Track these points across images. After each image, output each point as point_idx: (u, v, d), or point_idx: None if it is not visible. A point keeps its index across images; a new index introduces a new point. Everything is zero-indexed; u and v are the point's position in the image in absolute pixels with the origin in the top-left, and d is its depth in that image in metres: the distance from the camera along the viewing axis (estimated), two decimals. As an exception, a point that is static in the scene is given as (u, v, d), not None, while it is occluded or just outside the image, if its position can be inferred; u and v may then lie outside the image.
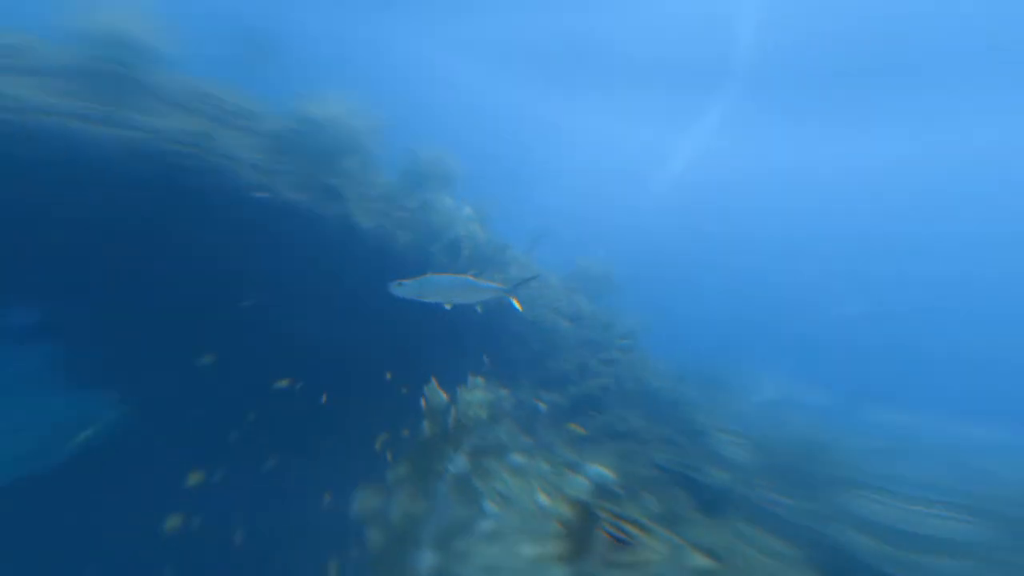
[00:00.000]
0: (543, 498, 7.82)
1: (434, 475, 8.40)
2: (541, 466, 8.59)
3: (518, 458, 8.75)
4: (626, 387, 14.29)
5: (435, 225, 12.91)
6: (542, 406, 11.81)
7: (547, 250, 15.56)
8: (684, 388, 14.98)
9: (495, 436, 8.99)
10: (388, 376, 11.74)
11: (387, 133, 12.42)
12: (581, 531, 6.86)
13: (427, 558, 7.65)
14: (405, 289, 7.86)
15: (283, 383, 11.08)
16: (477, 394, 8.90)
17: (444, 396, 8.79)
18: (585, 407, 12.59)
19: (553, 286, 15.87)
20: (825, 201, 48.18)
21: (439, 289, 7.97)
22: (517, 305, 8.35)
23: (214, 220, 11.04)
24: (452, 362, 12.33)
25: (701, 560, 7.01)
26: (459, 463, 8.54)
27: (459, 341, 13.52)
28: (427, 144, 13.26)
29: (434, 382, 9.00)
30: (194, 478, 10.33)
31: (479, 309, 8.54)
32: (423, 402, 8.67)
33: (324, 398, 11.62)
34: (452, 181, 13.28)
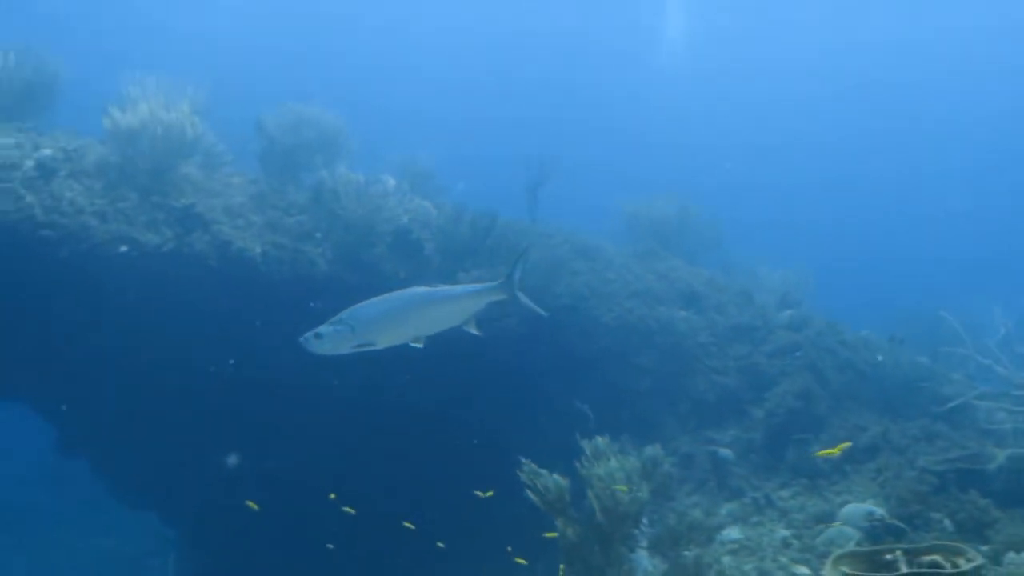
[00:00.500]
0: (803, 571, 6.23)
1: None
2: (776, 532, 7.05)
3: (734, 532, 7.19)
4: (829, 379, 9.33)
5: (353, 219, 8.29)
6: (724, 451, 8.64)
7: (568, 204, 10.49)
8: (905, 355, 9.86)
9: (679, 513, 6.98)
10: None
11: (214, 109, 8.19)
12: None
13: None
14: (329, 339, 5.16)
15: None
16: (611, 464, 6.26)
17: (560, 480, 6.14)
18: (789, 430, 8.51)
19: (617, 263, 10.59)
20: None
21: (383, 321, 5.33)
22: (530, 304, 5.61)
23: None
24: (535, 427, 8.76)
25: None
26: (648, 566, 6.54)
27: (524, 394, 9.15)
28: (280, 106, 8.81)
29: (529, 466, 6.03)
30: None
31: (474, 331, 5.64)
32: (534, 497, 6.01)
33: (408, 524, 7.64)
34: (339, 145, 8.78)
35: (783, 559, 6.52)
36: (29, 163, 7.53)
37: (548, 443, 7.62)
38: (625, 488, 6.40)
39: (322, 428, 8.53)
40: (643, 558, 6.67)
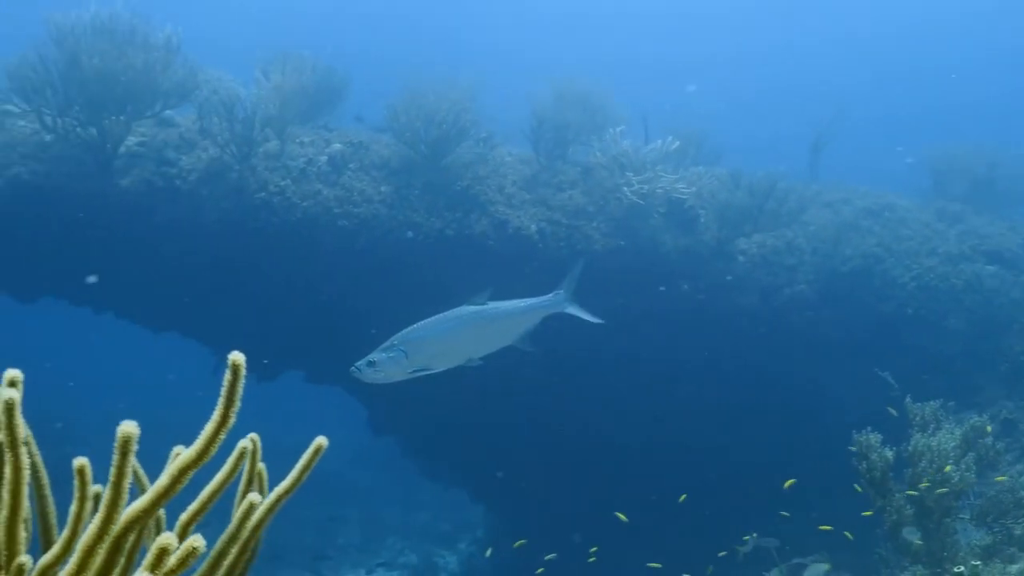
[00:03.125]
0: None
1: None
2: None
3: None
4: None
5: (624, 191, 7.96)
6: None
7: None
8: None
9: (1007, 486, 5.85)
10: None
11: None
12: None
13: None
14: (383, 366, 4.99)
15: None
16: (939, 437, 5.77)
17: (887, 454, 5.81)
18: None
19: (912, 220, 9.37)
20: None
21: (437, 344, 5.13)
22: (584, 315, 5.60)
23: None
24: (831, 397, 8.27)
25: None
26: (972, 538, 5.74)
27: (815, 360, 8.39)
28: (547, 81, 8.58)
29: (866, 437, 5.66)
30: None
31: (528, 348, 5.58)
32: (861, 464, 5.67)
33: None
34: (607, 116, 8.45)
35: None
36: (322, 159, 8.03)
37: (847, 413, 6.89)
38: (950, 467, 5.76)
39: (619, 402, 8.30)
40: (968, 529, 6.00)
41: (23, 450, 1.18)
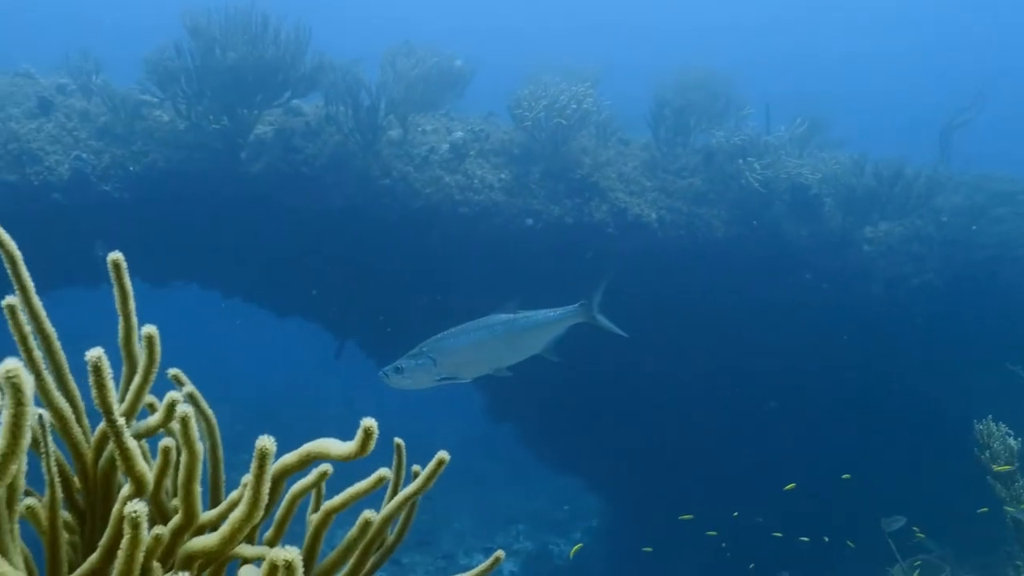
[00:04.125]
0: None
1: None
2: None
3: None
4: None
5: (744, 178, 7.78)
6: None
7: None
8: None
9: None
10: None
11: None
12: None
13: None
14: (411, 373, 4.94)
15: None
16: None
17: (1013, 443, 5.67)
18: None
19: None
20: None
21: (467, 352, 5.07)
22: (610, 326, 5.43)
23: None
24: (964, 392, 7.78)
25: None
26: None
27: (945, 354, 8.11)
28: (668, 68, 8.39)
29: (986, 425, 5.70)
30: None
31: (554, 358, 5.43)
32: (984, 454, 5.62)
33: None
34: (729, 102, 8.28)
35: None
36: (444, 146, 8.08)
37: (976, 406, 6.66)
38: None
39: (742, 395, 8.19)
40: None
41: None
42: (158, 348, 1.28)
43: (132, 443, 1.18)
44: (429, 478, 1.47)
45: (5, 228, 1.24)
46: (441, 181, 7.84)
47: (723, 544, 7.04)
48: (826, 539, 6.85)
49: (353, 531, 1.44)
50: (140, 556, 1.06)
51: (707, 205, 8.05)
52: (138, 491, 1.20)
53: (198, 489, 1.25)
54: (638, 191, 8.05)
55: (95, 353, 1.08)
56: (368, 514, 1.44)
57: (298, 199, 7.74)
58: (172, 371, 1.42)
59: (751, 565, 7.31)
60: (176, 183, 7.68)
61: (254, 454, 1.13)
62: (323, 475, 1.37)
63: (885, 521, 6.53)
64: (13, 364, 0.87)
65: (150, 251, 8.01)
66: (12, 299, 1.19)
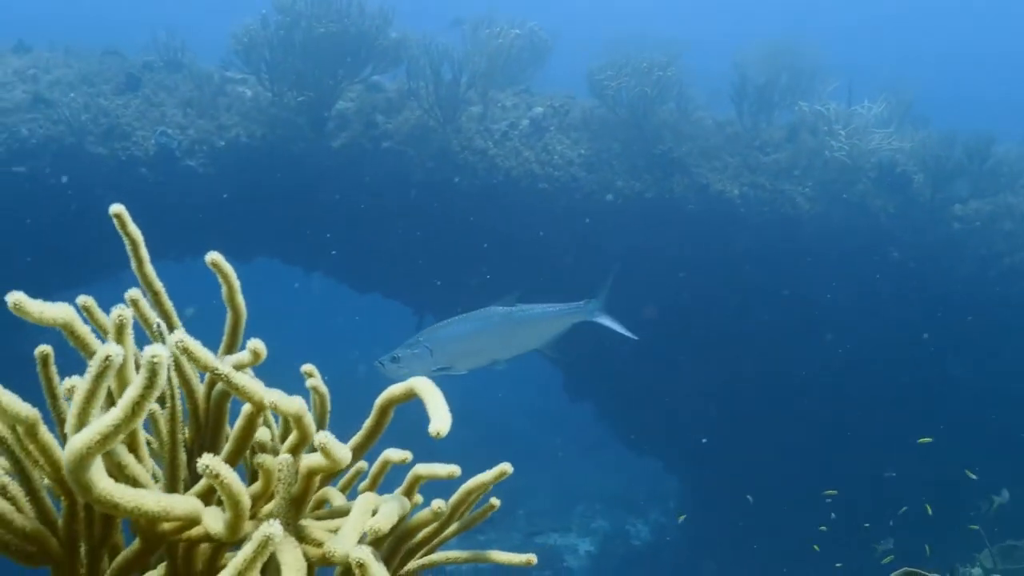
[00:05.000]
0: None
1: None
2: None
3: None
4: None
5: (832, 153, 7.62)
6: None
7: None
8: None
9: None
10: None
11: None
12: None
13: None
14: (407, 363, 4.88)
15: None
16: None
17: None
18: None
19: None
20: None
21: (462, 344, 5.08)
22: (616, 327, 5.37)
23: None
24: None
25: None
26: None
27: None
28: (751, 41, 8.24)
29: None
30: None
31: (553, 355, 5.49)
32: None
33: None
34: (814, 76, 8.16)
35: None
36: (524, 122, 8.05)
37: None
38: None
39: (829, 376, 8.02)
40: None
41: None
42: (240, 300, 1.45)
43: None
44: (486, 485, 1.48)
45: (98, 203, 1.40)
46: (521, 155, 7.81)
47: (826, 523, 6.90)
48: (929, 509, 6.66)
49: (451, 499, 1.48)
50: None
51: (791, 181, 7.90)
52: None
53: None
54: (720, 167, 7.93)
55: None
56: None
57: (379, 173, 7.76)
58: (306, 367, 1.46)
59: (866, 525, 7.15)
60: (259, 157, 7.75)
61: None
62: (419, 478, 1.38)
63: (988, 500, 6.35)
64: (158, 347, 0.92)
65: (234, 226, 8.12)
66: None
